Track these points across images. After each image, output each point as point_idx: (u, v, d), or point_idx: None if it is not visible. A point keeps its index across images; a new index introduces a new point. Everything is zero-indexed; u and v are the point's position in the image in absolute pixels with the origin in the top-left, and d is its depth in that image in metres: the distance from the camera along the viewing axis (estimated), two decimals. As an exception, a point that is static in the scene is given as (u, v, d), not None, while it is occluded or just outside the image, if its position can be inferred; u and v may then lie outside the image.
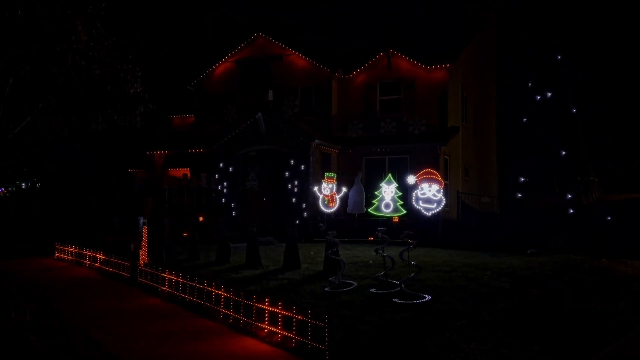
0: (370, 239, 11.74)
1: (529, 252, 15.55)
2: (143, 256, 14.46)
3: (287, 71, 23.58)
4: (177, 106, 26.97)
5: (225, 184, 21.57)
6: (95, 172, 30.15)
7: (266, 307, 7.94)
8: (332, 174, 12.20)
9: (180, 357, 7.11)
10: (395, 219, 10.66)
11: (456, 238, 19.41)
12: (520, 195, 19.59)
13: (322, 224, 11.75)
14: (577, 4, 32.74)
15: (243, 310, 8.42)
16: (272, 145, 21.08)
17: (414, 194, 9.70)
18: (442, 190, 9.69)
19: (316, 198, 12.60)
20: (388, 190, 10.38)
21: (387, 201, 10.33)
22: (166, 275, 11.14)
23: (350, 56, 23.56)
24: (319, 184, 12.20)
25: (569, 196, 17.57)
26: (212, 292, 9.40)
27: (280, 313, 7.61)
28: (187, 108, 26.27)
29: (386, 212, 10.31)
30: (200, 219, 20.46)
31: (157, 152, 24.43)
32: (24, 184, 27.64)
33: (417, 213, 9.98)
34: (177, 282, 10.67)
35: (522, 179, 18.55)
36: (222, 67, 25.00)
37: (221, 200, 21.54)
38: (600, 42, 35.65)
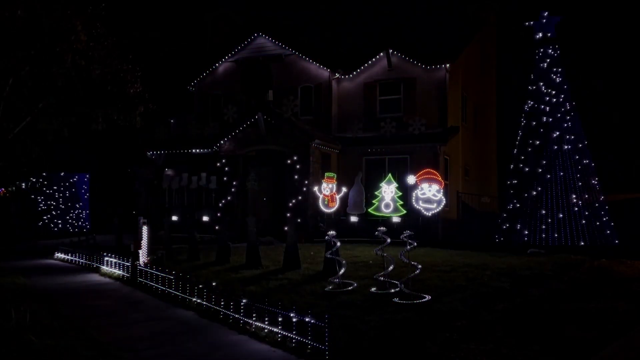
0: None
1: (529, 252, 15.56)
2: (143, 256, 14.45)
3: (287, 71, 23.60)
4: (177, 106, 27.00)
5: (225, 184, 21.57)
6: (95, 172, 30.14)
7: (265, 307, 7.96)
8: (332, 174, 12.19)
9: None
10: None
11: (456, 238, 19.43)
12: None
13: (322, 224, 11.77)
14: (577, 3, 32.75)
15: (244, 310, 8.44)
16: (272, 145, 21.09)
17: (414, 194, 9.69)
18: (442, 190, 9.69)
19: (316, 198, 12.60)
20: (388, 190, 10.37)
21: (387, 201, 10.32)
22: (166, 275, 11.14)
23: (350, 56, 23.58)
24: (319, 184, 12.19)
25: (569, 196, 17.57)
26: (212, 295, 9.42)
27: (280, 313, 7.62)
28: (187, 108, 26.29)
29: (386, 212, 10.30)
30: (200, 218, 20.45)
31: (157, 152, 24.44)
32: (24, 184, 27.64)
33: (417, 213, 9.98)
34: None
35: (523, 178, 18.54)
36: (222, 67, 25.01)
37: (221, 200, 21.54)
38: (600, 41, 35.67)
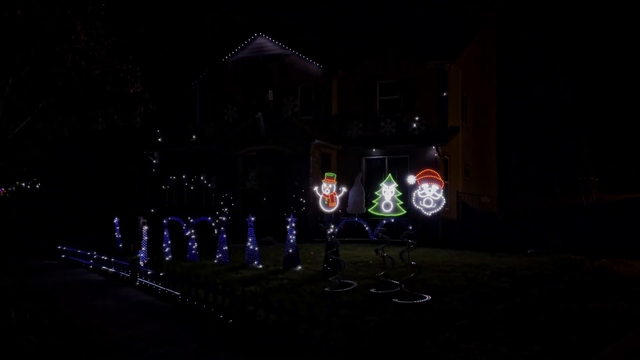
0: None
1: (529, 252, 15.55)
2: (143, 256, 14.46)
3: (287, 71, 23.59)
4: (177, 106, 27.00)
5: (225, 184, 21.57)
6: (95, 172, 30.14)
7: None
8: (332, 174, 12.20)
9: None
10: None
11: (456, 238, 19.41)
12: (520, 195, 19.57)
13: (322, 224, 11.77)
14: (578, 3, 32.73)
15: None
16: (272, 145, 21.09)
17: (414, 194, 9.69)
18: (442, 191, 9.68)
19: (316, 198, 12.61)
20: (388, 190, 10.37)
21: (387, 201, 10.32)
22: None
23: (350, 56, 23.58)
24: (319, 184, 12.20)
25: (569, 196, 17.57)
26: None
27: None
28: (187, 108, 26.30)
29: (386, 212, 10.30)
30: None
31: (157, 151, 24.43)
32: (24, 184, 27.67)
33: (417, 213, 9.98)
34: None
35: (522, 179, 18.54)
36: (222, 67, 24.99)
37: (221, 200, 21.54)
38: (600, 41, 35.64)
